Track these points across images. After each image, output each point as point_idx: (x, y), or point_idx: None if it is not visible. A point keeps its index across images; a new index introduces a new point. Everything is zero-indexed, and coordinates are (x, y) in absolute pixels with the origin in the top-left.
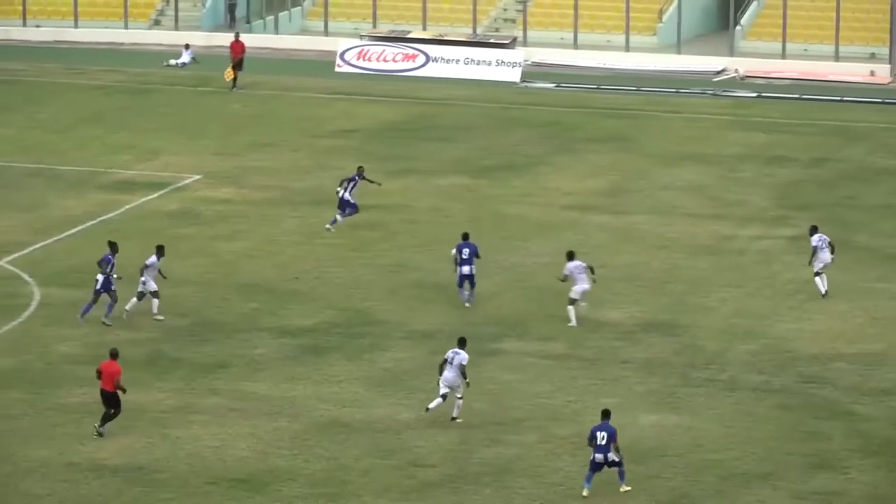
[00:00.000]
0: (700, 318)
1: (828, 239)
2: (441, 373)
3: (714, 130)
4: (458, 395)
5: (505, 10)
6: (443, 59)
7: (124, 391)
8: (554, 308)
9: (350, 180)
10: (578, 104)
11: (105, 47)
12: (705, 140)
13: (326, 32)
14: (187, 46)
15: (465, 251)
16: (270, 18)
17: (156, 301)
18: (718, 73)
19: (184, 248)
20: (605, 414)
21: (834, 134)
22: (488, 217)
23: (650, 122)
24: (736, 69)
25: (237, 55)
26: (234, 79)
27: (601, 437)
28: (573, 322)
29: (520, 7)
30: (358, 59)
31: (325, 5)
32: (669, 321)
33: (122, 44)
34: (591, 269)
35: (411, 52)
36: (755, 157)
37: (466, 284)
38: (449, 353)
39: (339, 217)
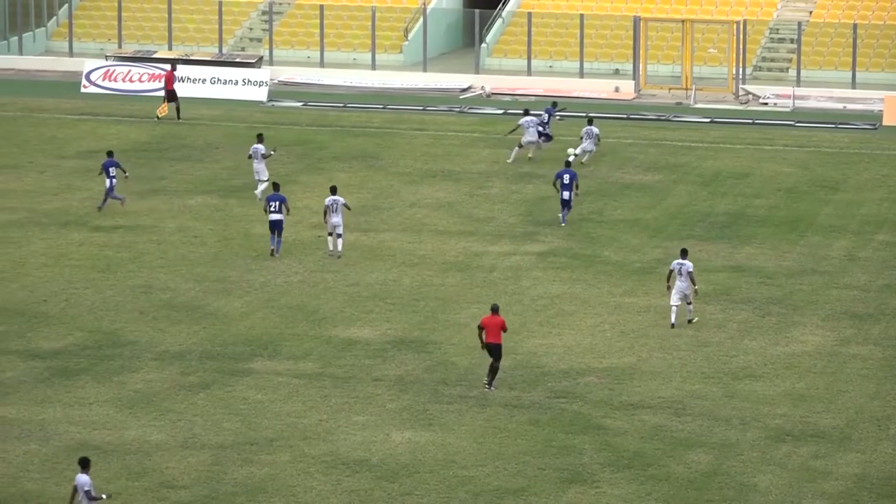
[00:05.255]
0: (451, 334)
1: (596, 131)
2: (669, 283)
3: (461, 147)
4: (689, 301)
5: (251, 29)
6: (189, 78)
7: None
8: (305, 327)
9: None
10: (326, 123)
11: None
12: (453, 157)
13: (71, 53)
14: None
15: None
16: (14, 39)
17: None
18: (464, 90)
19: None
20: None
21: None
22: (238, 236)
23: (397, 140)
24: (482, 86)
25: (170, 87)
26: (178, 109)
27: (566, 178)
28: None
29: (266, 26)
30: (104, 79)
31: (70, 26)
32: (421, 338)
33: None
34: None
35: (157, 72)
36: (502, 173)
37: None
38: (674, 265)
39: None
